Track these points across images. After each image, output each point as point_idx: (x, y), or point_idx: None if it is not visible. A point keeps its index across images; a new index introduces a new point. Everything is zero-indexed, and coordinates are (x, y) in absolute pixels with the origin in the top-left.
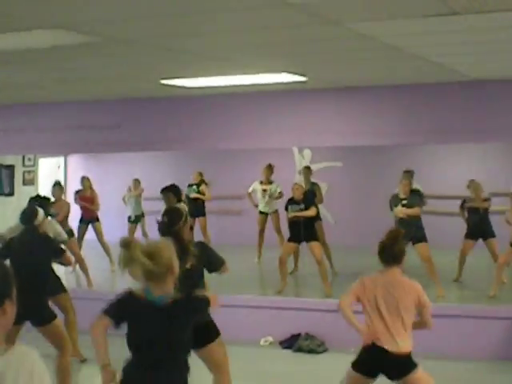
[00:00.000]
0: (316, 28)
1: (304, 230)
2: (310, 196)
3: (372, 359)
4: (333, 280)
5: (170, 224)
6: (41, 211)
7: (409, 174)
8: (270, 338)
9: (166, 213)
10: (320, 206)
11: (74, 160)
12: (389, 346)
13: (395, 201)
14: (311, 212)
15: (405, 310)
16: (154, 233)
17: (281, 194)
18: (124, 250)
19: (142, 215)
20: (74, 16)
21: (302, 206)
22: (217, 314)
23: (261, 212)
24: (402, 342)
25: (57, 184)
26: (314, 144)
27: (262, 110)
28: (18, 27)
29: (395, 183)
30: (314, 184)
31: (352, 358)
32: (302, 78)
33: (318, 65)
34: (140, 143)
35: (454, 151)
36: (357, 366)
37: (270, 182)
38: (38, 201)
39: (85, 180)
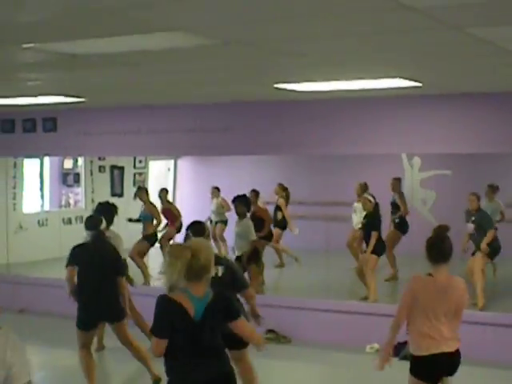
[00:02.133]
0: (435, 33)
1: None
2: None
3: (433, 365)
4: None
5: (194, 236)
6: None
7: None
8: (376, 345)
9: (191, 226)
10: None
11: (184, 163)
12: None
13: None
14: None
15: (458, 310)
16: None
17: None
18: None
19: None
20: (194, 19)
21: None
22: (323, 320)
23: None
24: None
25: (164, 189)
26: (425, 151)
27: (373, 116)
28: (139, 30)
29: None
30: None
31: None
32: (417, 84)
33: (433, 70)
34: (249, 147)
35: None
36: (418, 373)
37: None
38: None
39: (163, 193)
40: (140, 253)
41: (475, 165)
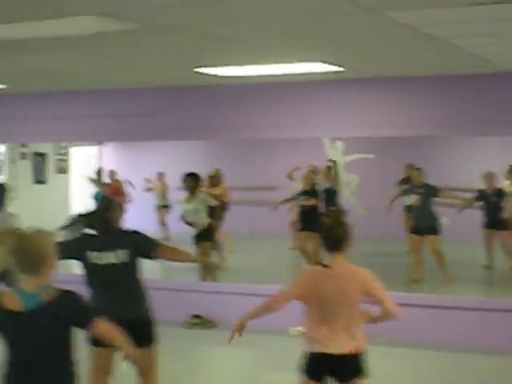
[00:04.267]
0: (355, 17)
1: None
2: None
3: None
4: None
5: (103, 212)
6: None
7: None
8: (301, 328)
9: (100, 201)
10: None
11: (107, 149)
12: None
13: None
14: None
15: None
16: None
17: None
18: None
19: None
20: (115, 3)
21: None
22: (249, 305)
23: None
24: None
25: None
26: (348, 134)
27: (296, 100)
28: (58, 14)
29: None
30: None
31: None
32: (339, 69)
33: (355, 55)
34: (173, 132)
35: (490, 144)
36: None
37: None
38: None
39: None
40: None
41: (398, 148)
